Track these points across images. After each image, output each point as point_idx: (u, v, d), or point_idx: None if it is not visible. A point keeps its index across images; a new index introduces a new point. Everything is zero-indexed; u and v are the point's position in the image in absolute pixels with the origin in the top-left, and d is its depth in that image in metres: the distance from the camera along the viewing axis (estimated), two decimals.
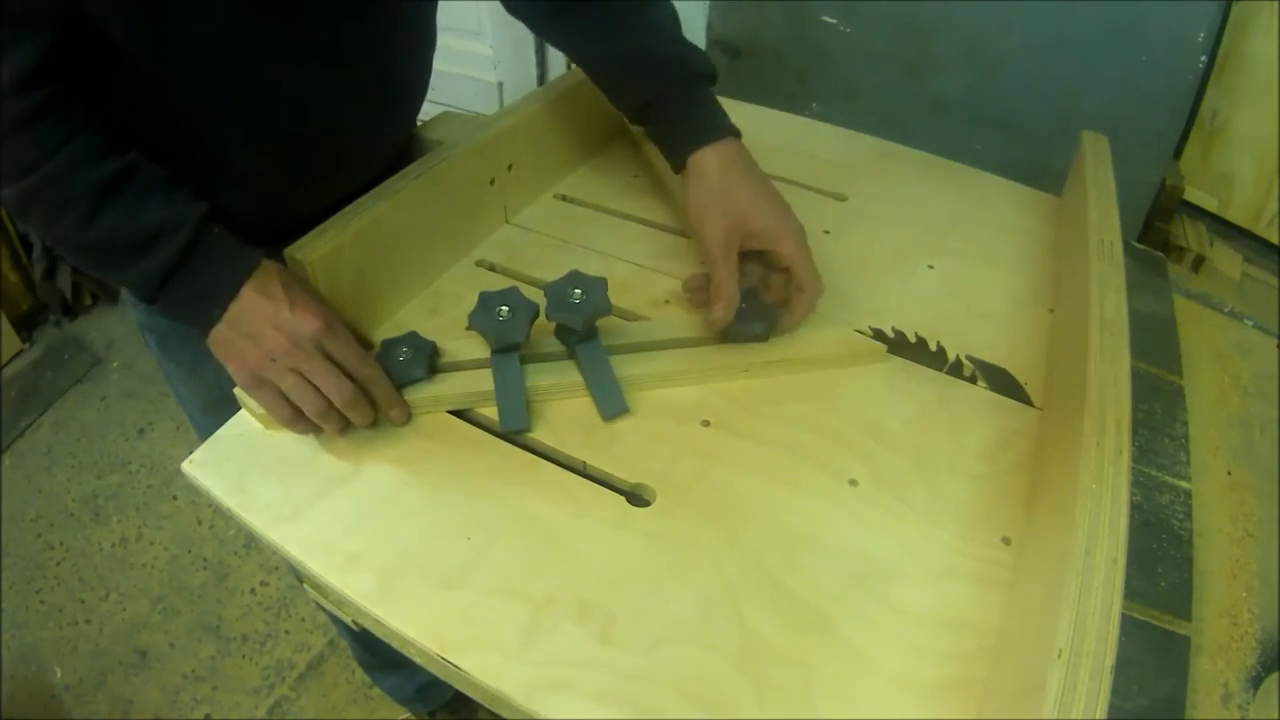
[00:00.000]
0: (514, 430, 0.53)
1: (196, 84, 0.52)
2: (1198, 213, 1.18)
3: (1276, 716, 0.55)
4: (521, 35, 1.68)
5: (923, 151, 0.85)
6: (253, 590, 1.40)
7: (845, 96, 1.25)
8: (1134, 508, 0.53)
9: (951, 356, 0.61)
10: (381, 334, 0.60)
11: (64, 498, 1.56)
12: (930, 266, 0.70)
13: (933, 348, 0.61)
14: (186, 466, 0.52)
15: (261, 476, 0.51)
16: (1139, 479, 0.60)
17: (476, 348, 0.57)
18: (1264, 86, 1.05)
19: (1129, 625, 0.50)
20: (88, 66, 0.49)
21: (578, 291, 0.54)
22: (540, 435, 0.54)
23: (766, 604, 0.45)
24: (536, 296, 0.55)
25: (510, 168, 0.71)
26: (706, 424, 0.55)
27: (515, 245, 0.71)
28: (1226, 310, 0.95)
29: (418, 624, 0.43)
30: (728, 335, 0.58)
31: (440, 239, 0.66)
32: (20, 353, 1.84)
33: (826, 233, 0.72)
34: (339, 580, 0.46)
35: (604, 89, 0.67)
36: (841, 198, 0.78)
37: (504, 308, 0.54)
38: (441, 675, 0.44)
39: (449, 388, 0.55)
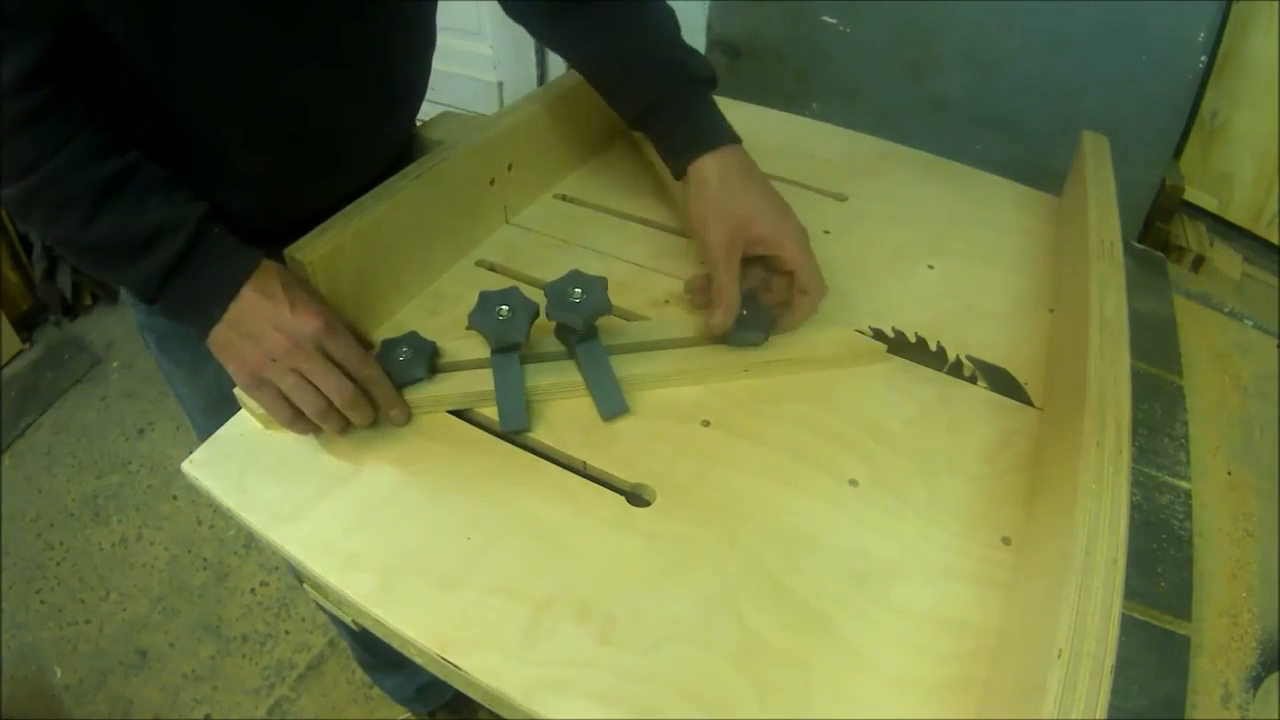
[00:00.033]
0: (514, 430, 0.53)
1: (196, 84, 0.52)
2: (1198, 213, 1.18)
3: (1276, 717, 0.55)
4: (522, 35, 1.67)
5: (923, 151, 0.85)
6: (253, 590, 1.40)
7: (845, 96, 1.25)
8: (1134, 508, 0.53)
9: (951, 356, 0.61)
10: (381, 334, 0.60)
11: (64, 498, 1.55)
12: (930, 266, 0.70)
13: (933, 348, 0.62)
14: (186, 466, 0.52)
15: (261, 476, 0.51)
16: (1139, 479, 0.60)
17: (476, 348, 0.57)
18: (1264, 86, 1.04)
19: (1129, 625, 0.50)
20: (88, 66, 0.49)
21: (578, 291, 0.54)
22: (540, 435, 0.54)
23: (766, 604, 0.45)
24: (536, 296, 0.55)
25: (510, 168, 0.71)
26: (706, 424, 0.55)
27: (515, 245, 0.71)
28: (1226, 310, 0.95)
29: (418, 624, 0.43)
30: (726, 340, 0.59)
31: (440, 239, 0.66)
32: (20, 353, 1.84)
33: (827, 233, 0.72)
34: (339, 580, 0.46)
35: (603, 92, 0.67)
36: (841, 198, 0.78)
37: (504, 307, 0.54)
38: (441, 675, 0.44)
39: (449, 388, 0.55)
